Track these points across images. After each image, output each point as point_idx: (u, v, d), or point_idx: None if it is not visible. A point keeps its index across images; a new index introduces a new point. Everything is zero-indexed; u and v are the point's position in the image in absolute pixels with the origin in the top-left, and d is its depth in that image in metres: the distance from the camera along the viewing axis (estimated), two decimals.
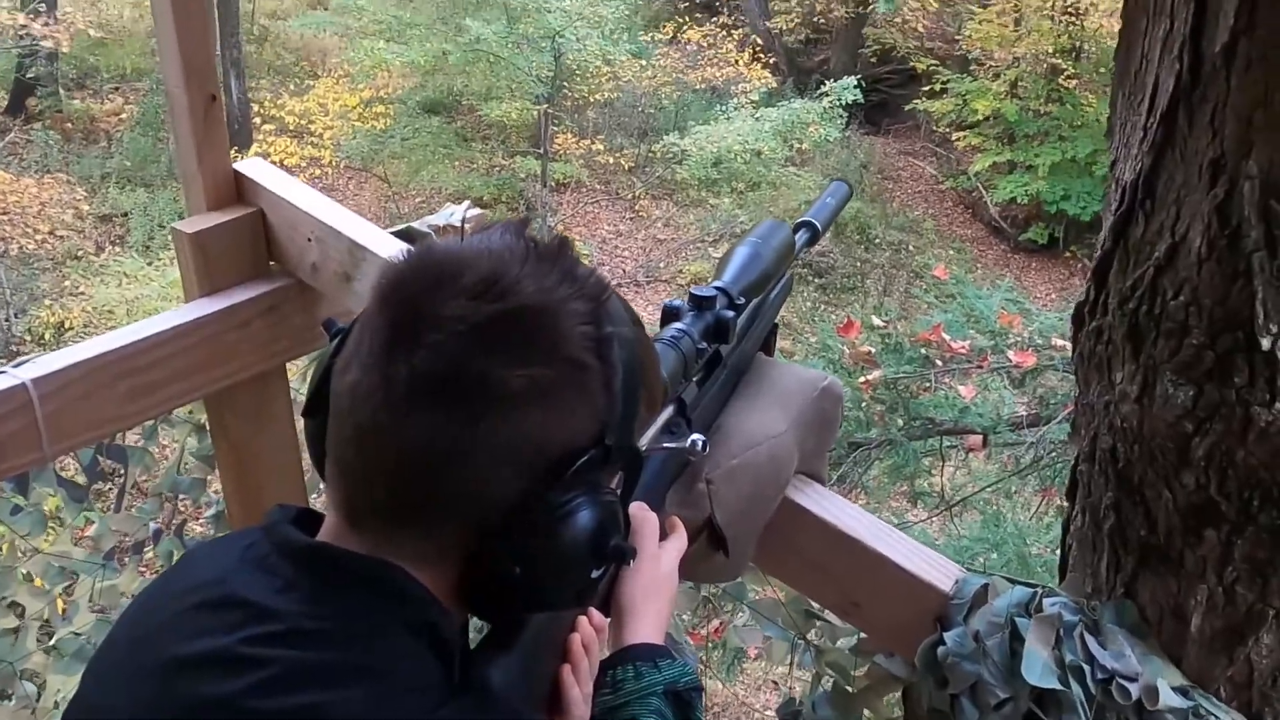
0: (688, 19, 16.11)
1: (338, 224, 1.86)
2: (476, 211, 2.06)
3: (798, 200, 13.67)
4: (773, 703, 7.31)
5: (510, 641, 0.97)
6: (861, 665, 1.53)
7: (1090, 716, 1.20)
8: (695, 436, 1.22)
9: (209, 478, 2.12)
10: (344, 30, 15.08)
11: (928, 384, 5.35)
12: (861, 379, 5.14)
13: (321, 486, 0.97)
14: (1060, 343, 5.31)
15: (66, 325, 10.82)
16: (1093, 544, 1.32)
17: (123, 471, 1.97)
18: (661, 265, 13.66)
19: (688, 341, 1.24)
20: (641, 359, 0.95)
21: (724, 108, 14.03)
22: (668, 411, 1.23)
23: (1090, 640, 1.25)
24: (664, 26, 15.87)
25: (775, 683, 7.16)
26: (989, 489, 5.95)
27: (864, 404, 5.17)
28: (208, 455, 2.09)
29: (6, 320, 11.29)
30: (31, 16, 12.86)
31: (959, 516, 6.20)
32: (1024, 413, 5.46)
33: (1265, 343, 1.08)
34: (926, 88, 14.90)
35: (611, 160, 14.32)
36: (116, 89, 14.88)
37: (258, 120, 13.59)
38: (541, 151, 13.90)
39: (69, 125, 14.05)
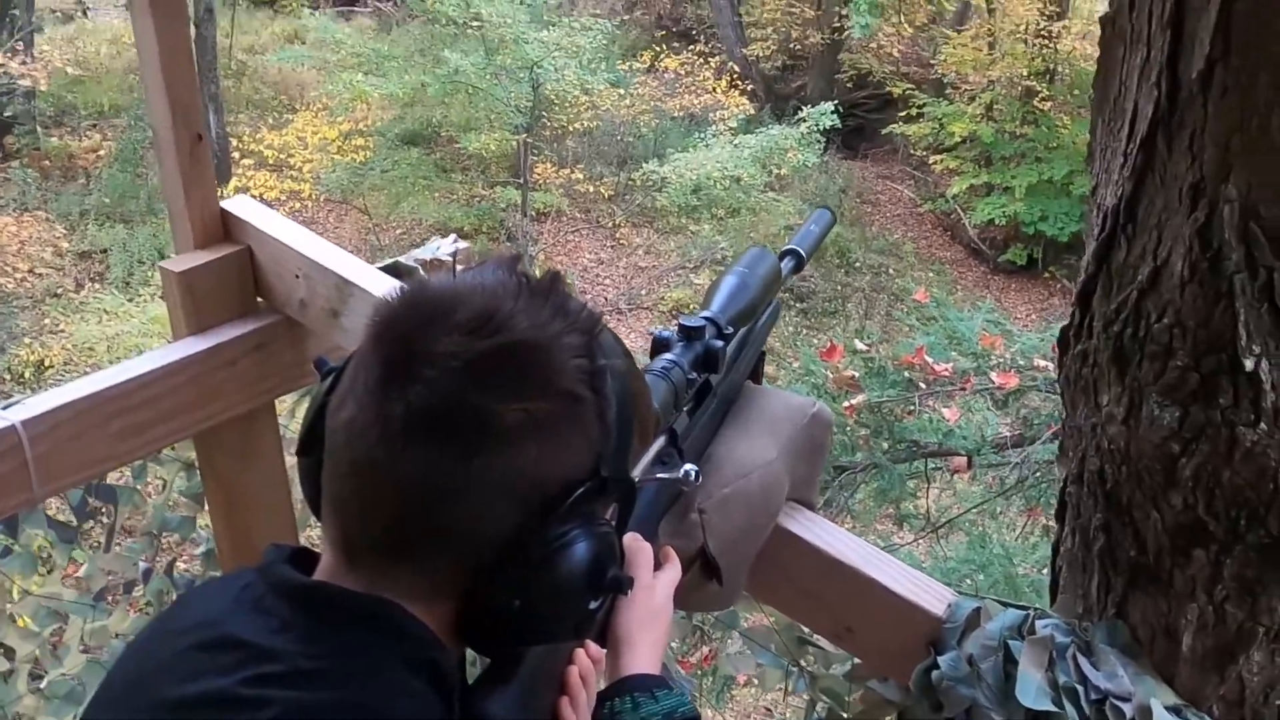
0: (665, 48, 16.20)
1: (325, 260, 1.86)
2: (463, 245, 2.07)
3: (778, 225, 13.72)
4: None
5: (508, 675, 0.97)
6: (856, 691, 1.54)
7: None
8: (688, 467, 1.23)
9: (198, 515, 2.11)
10: (322, 64, 15.10)
11: (911, 407, 5.37)
12: (846, 403, 5.15)
13: (313, 523, 0.97)
14: (1042, 363, 5.34)
15: (46, 363, 10.76)
16: (1083, 565, 1.33)
17: (111, 511, 1.96)
18: (643, 292, 13.68)
19: (678, 372, 1.25)
20: (634, 391, 0.96)
21: (702, 135, 14.09)
22: (660, 442, 1.23)
23: (1083, 661, 1.25)
24: (641, 55, 15.95)
25: (768, 709, 7.14)
26: (974, 510, 5.96)
27: (849, 428, 5.19)
28: (196, 493, 2.09)
29: None
30: (9, 55, 12.85)
31: (945, 538, 6.21)
32: (1008, 433, 5.48)
33: (1248, 364, 1.10)
34: (903, 112, 15.00)
35: (591, 189, 14.35)
36: (94, 126, 14.84)
37: (237, 155, 13.58)
38: (521, 181, 13.92)
39: (47, 163, 14.00)
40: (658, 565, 1.20)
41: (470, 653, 0.98)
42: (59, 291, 12.30)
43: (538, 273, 0.92)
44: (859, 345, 5.88)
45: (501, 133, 13.69)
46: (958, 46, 14.99)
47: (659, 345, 1.30)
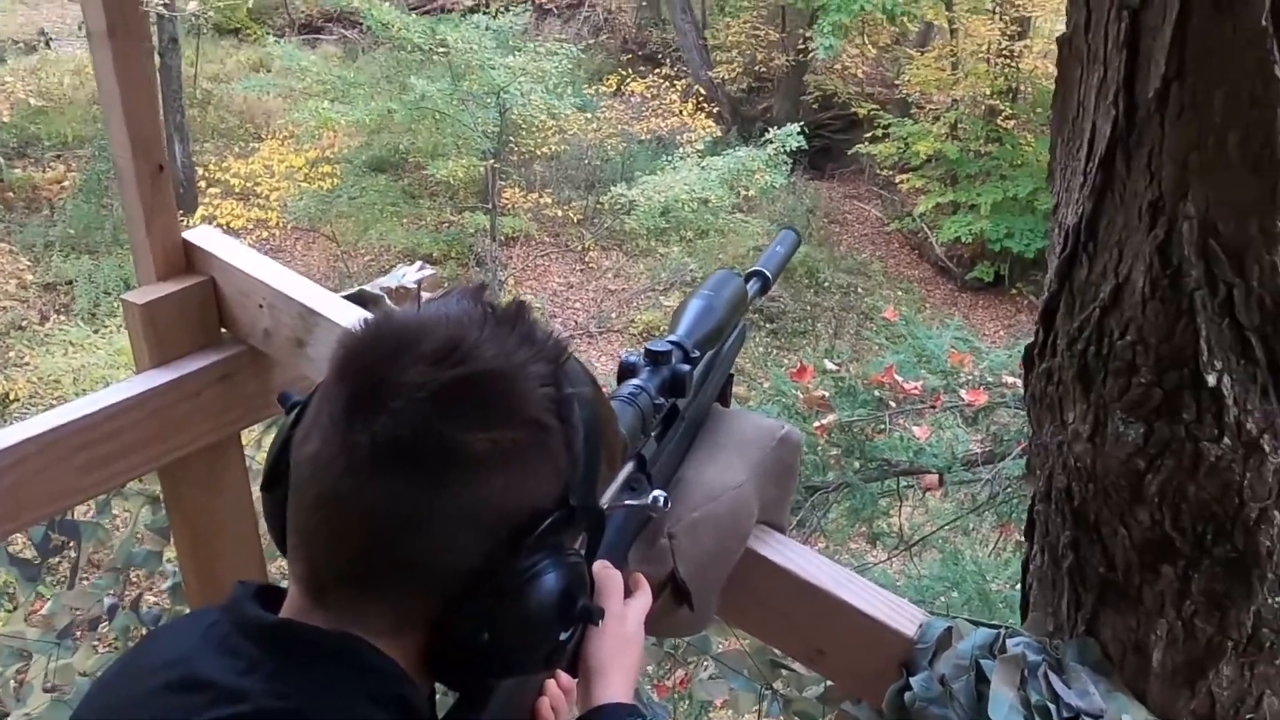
0: (631, 71, 16.25)
1: (289, 289, 1.85)
2: (429, 272, 2.06)
3: (746, 246, 13.77)
4: None
5: (478, 709, 0.96)
6: (829, 713, 1.53)
7: None
8: (656, 493, 1.22)
9: (164, 550, 2.09)
10: (288, 92, 15.05)
11: (882, 426, 5.38)
12: (816, 423, 5.16)
13: (282, 555, 0.96)
14: (1011, 380, 5.37)
15: (11, 397, 10.62)
16: (1053, 583, 1.33)
17: (75, 547, 1.94)
18: (613, 315, 13.68)
19: (645, 397, 1.25)
20: (601, 419, 0.95)
21: (670, 157, 14.12)
22: (628, 468, 1.23)
23: (1055, 679, 1.25)
24: (607, 79, 15.98)
25: None
26: (946, 527, 5.97)
27: (820, 448, 5.19)
28: (162, 527, 2.06)
29: None
30: None
31: (919, 556, 6.22)
32: (978, 450, 5.50)
33: (1210, 379, 1.11)
34: (869, 132, 15.10)
35: (560, 213, 14.35)
36: (58, 157, 14.74)
37: (203, 184, 13.49)
38: (490, 206, 13.91)
39: (10, 194, 13.88)
40: (628, 592, 1.19)
41: (440, 686, 0.97)
42: (23, 324, 12.17)
43: (505, 299, 0.92)
44: (829, 365, 5.90)
45: (469, 158, 13.68)
46: (921, 67, 15.12)
47: (625, 370, 1.30)
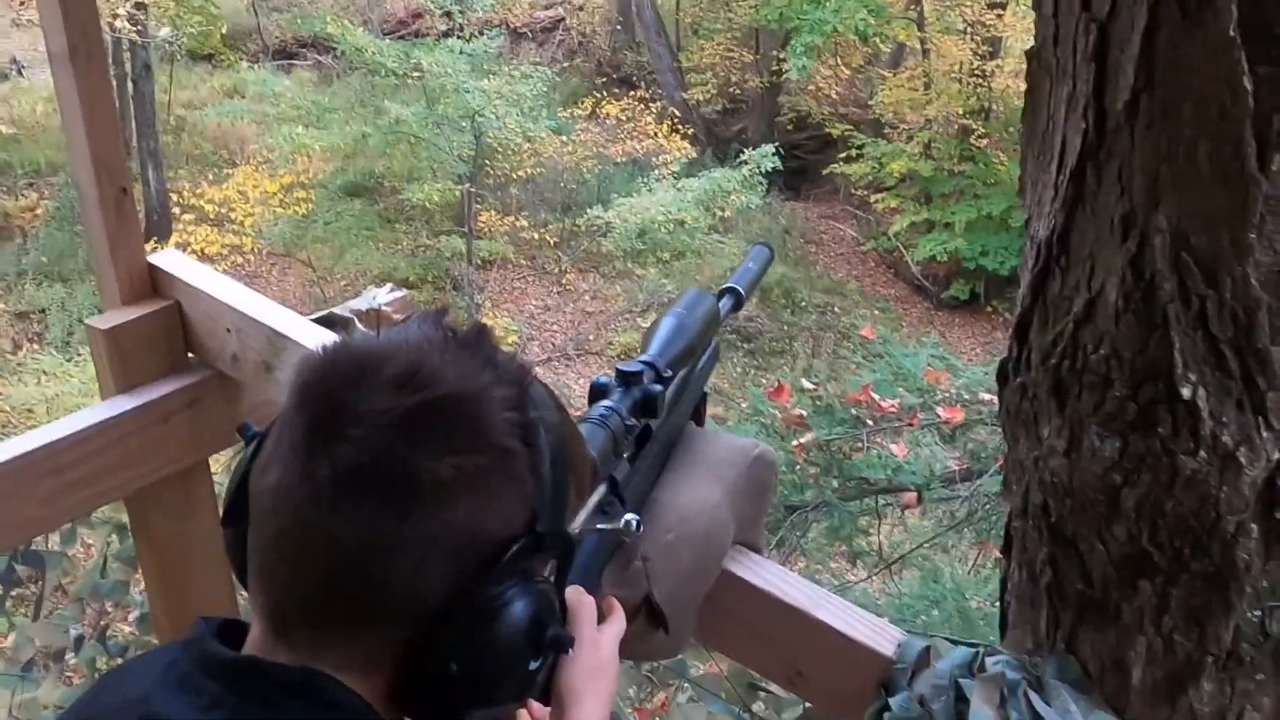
0: (605, 94, 16.29)
1: (256, 313, 1.83)
2: (400, 294, 2.04)
3: (723, 267, 13.78)
4: None
5: None
6: None
7: None
8: (629, 516, 1.20)
9: (132, 579, 2.05)
10: (262, 117, 15.02)
11: (860, 444, 5.38)
12: (795, 442, 5.16)
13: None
14: (988, 396, 5.38)
15: None
16: (1031, 600, 1.32)
17: (40, 577, 1.90)
18: (591, 337, 13.67)
19: (616, 419, 1.23)
20: (568, 442, 0.93)
21: (646, 179, 14.15)
22: (600, 491, 1.21)
23: (1034, 698, 1.24)
24: (582, 102, 16.03)
25: None
26: (926, 545, 5.97)
27: (798, 467, 5.19)
28: (129, 556, 2.03)
29: None
30: None
31: (898, 574, 6.22)
32: (956, 467, 5.50)
33: (1185, 392, 1.09)
34: (843, 152, 15.17)
35: (536, 235, 14.35)
36: (31, 184, 14.67)
37: (177, 210, 13.45)
38: (466, 230, 13.90)
39: None
40: (601, 618, 1.17)
41: None
42: None
43: (466, 322, 0.90)
44: (806, 384, 5.89)
45: (445, 182, 13.68)
46: (894, 87, 15.23)
47: (597, 392, 1.28)
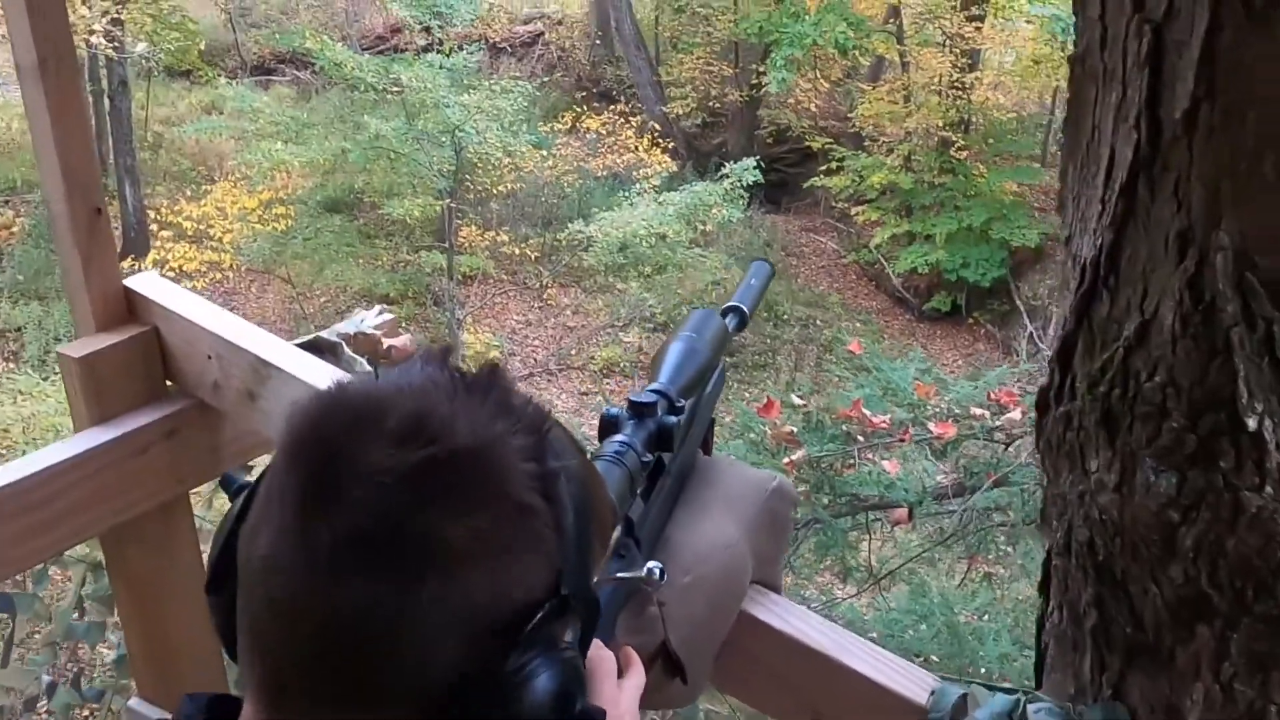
0: (586, 108, 16.27)
1: (238, 339, 1.74)
2: (388, 316, 1.96)
3: (704, 281, 13.77)
4: None
5: None
6: None
7: None
8: (652, 565, 1.11)
9: (108, 620, 1.95)
10: (240, 133, 14.93)
11: (851, 460, 5.32)
12: (785, 459, 5.09)
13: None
14: (978, 411, 5.34)
15: None
16: (1073, 643, 1.24)
17: (9, 621, 1.80)
18: (573, 352, 13.62)
19: (632, 456, 1.14)
20: (592, 492, 0.84)
21: (626, 193, 14.11)
22: (615, 533, 1.12)
23: None
24: (563, 116, 15.99)
25: None
26: (914, 560, 5.93)
27: None
28: (105, 596, 1.93)
29: None
30: None
31: (888, 590, 6.17)
32: (948, 483, 5.46)
33: (1251, 423, 1.01)
34: (823, 165, 15.20)
35: (517, 250, 14.30)
36: (7, 202, 14.54)
37: (155, 227, 13.34)
38: (447, 245, 13.82)
39: None
40: (620, 671, 1.08)
41: None
42: None
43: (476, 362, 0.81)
44: (795, 400, 5.84)
45: (425, 197, 13.60)
46: (874, 100, 15.25)
47: (608, 425, 1.19)
